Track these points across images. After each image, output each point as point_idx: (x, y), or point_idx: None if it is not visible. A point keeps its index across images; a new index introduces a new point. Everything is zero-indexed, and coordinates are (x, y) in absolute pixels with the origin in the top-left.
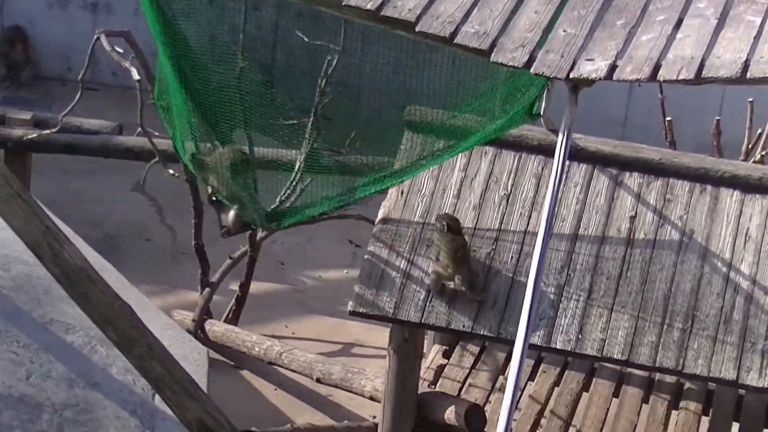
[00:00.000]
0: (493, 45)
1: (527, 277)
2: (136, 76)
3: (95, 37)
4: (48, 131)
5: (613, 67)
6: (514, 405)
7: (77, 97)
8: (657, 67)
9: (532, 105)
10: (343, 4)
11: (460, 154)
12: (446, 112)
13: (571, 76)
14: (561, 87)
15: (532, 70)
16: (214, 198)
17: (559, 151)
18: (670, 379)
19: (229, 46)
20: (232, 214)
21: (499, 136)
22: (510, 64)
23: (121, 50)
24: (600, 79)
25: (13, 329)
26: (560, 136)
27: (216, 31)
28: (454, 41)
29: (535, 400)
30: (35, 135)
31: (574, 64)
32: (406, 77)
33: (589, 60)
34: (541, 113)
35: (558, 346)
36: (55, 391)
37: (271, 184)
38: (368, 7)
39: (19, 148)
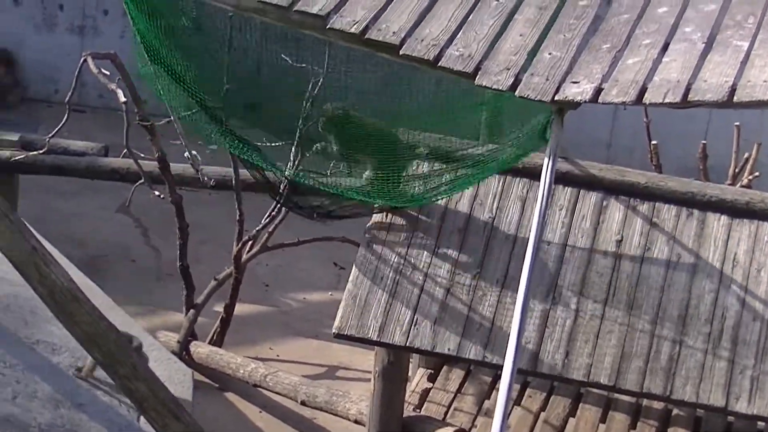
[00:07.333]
0: (477, 68)
1: (513, 300)
2: (122, 98)
3: (82, 59)
4: (35, 152)
5: (598, 90)
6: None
7: (64, 118)
8: (643, 90)
9: (544, 130)
10: (327, 27)
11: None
12: (434, 134)
13: (556, 98)
14: None
15: (516, 93)
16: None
17: (545, 175)
18: (657, 405)
19: (214, 69)
20: None
21: (516, 163)
22: (495, 87)
23: (107, 72)
24: (585, 101)
25: None
26: (546, 159)
27: (201, 52)
28: (439, 64)
29: (521, 425)
30: (22, 156)
31: (559, 87)
32: (392, 99)
33: (574, 83)
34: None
35: (544, 371)
36: (41, 411)
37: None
38: (352, 30)
39: (6, 170)
